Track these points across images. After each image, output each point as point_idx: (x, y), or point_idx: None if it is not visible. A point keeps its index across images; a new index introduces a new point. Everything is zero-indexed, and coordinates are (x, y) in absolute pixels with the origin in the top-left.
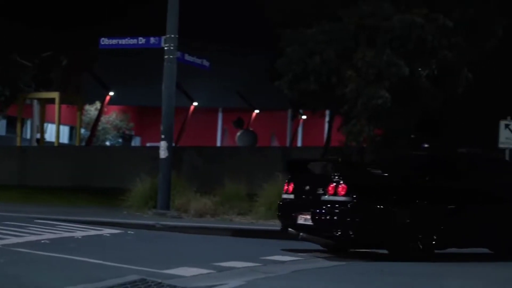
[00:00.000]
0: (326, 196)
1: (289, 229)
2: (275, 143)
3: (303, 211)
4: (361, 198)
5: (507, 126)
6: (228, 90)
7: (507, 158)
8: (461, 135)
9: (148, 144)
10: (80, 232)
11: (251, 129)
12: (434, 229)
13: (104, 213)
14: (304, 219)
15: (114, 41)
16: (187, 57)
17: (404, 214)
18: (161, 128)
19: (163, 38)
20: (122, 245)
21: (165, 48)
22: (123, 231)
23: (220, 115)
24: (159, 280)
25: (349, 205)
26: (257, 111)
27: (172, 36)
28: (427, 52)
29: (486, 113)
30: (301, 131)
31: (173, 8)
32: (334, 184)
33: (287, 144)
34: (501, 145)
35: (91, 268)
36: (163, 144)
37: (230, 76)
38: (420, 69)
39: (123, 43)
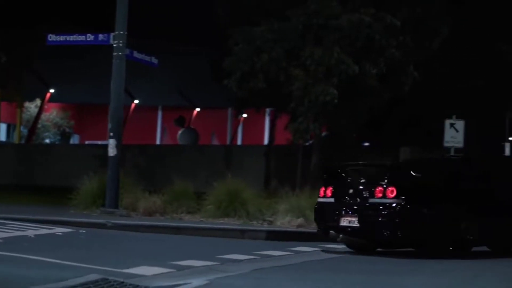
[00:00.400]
0: (374, 199)
1: (330, 231)
2: (215, 142)
3: (346, 213)
4: (409, 200)
5: (452, 125)
6: (170, 88)
7: None
8: (407, 133)
9: (87, 142)
10: (31, 231)
11: (192, 127)
12: (471, 228)
13: (52, 212)
14: (348, 221)
15: (62, 38)
16: (136, 55)
17: (445, 214)
18: (109, 126)
19: (111, 35)
20: (77, 244)
21: (114, 45)
22: (74, 230)
23: (160, 113)
24: (121, 280)
25: (398, 207)
26: (198, 109)
27: (121, 33)
28: (375, 50)
29: (432, 112)
30: (241, 129)
31: (122, 5)
32: (383, 187)
33: (227, 142)
34: (446, 144)
35: (50, 267)
36: (111, 142)
37: (171, 74)
38: (368, 67)
39: (71, 39)
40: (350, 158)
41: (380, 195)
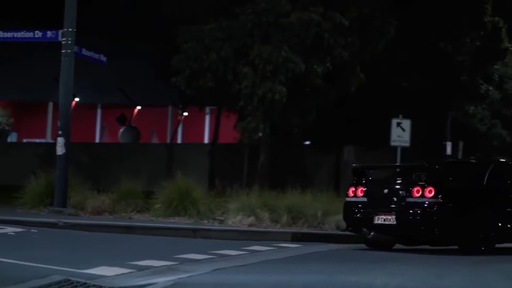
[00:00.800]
0: (412, 198)
1: (363, 229)
2: (155, 140)
3: (381, 212)
4: (446, 199)
5: (398, 124)
6: (111, 86)
7: (398, 156)
8: (352, 132)
9: (25, 140)
10: None
11: (133, 125)
12: (495, 226)
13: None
14: (383, 219)
15: (9, 34)
16: (85, 52)
17: (475, 213)
18: (59, 124)
19: (60, 32)
20: (31, 244)
21: (63, 42)
22: (26, 230)
23: (99, 112)
24: (84, 281)
25: (435, 206)
26: (139, 107)
27: (70, 30)
28: (323, 49)
29: (378, 111)
30: (181, 128)
31: (71, 2)
32: (421, 187)
33: (168, 140)
34: (393, 143)
35: (8, 268)
36: (60, 141)
37: (113, 72)
38: (315, 66)
39: (19, 36)
40: (295, 157)
41: (418, 194)
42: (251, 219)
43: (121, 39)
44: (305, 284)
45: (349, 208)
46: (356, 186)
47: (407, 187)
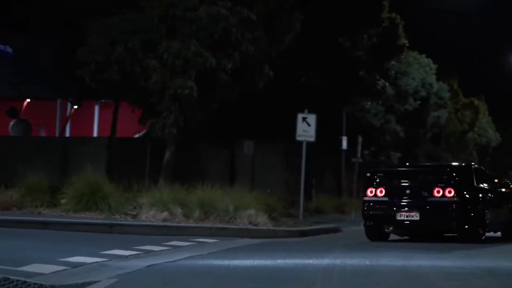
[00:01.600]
0: (434, 198)
1: (385, 224)
2: (43, 133)
3: (404, 209)
4: (462, 199)
5: (304, 119)
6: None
7: (303, 150)
8: (253, 127)
9: None
10: None
11: (23, 118)
12: (502, 221)
13: None
14: (405, 215)
15: None
16: None
17: (482, 208)
18: None
19: None
20: None
21: None
22: None
23: None
24: (23, 279)
25: (454, 205)
26: (28, 100)
27: None
28: (231, 44)
29: (285, 106)
30: (70, 121)
31: None
32: (442, 188)
33: (57, 134)
34: (298, 138)
35: None
36: None
37: (4, 64)
38: (224, 61)
39: None
40: (198, 152)
41: (439, 194)
42: (165, 214)
43: (26, 30)
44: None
45: (369, 206)
46: (376, 187)
47: (429, 187)
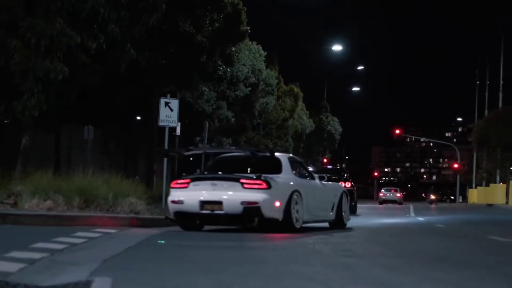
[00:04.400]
0: None
1: None
2: None
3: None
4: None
5: (167, 104)
6: None
7: (166, 136)
8: (122, 113)
9: None
10: None
11: None
12: None
13: None
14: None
15: None
16: None
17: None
18: None
19: None
20: None
21: None
22: None
23: None
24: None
25: None
26: None
27: None
28: (98, 24)
29: (149, 90)
30: None
31: None
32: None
33: None
34: (161, 123)
35: None
36: None
37: None
38: (89, 41)
39: None
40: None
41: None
42: (49, 202)
43: None
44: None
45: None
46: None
47: None
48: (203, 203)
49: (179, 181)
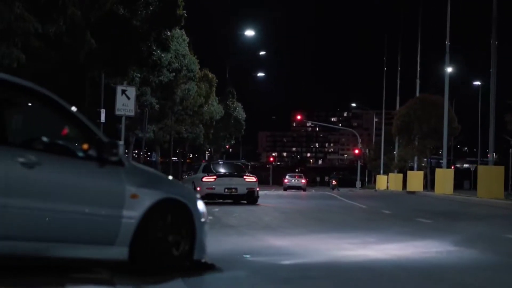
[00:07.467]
0: None
1: None
2: None
3: None
4: None
5: (123, 92)
6: None
7: (123, 126)
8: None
9: None
10: None
11: None
12: None
13: None
14: None
15: None
16: None
17: None
18: None
19: None
20: None
21: None
22: None
23: None
24: None
25: None
26: None
27: None
28: (58, 8)
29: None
30: None
31: None
32: None
33: None
34: (118, 112)
35: None
36: None
37: None
38: (48, 27)
39: None
40: None
41: None
42: None
43: None
44: None
45: None
46: None
47: None
48: (226, 188)
49: (208, 177)
